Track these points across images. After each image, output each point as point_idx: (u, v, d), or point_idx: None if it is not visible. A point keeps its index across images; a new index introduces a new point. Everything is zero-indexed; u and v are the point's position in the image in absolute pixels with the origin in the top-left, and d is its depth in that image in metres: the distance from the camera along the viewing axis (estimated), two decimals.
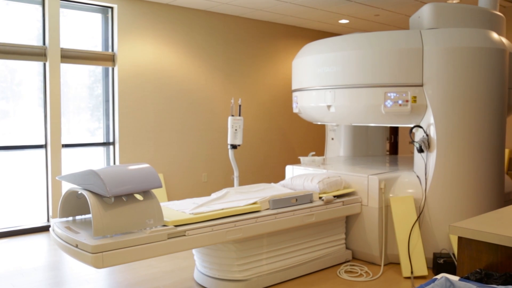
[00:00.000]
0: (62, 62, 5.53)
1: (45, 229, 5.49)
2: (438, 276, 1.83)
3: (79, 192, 3.13)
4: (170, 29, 6.37)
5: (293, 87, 5.16)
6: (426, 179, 4.22)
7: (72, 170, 4.20)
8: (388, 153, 6.92)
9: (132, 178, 3.05)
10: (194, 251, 3.86)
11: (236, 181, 5.13)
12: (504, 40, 4.45)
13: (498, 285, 1.87)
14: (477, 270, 1.98)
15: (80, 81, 5.93)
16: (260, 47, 7.43)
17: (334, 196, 4.18)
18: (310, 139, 8.21)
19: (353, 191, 4.37)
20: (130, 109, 6.04)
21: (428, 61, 4.12)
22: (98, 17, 5.97)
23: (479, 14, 4.50)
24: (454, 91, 4.09)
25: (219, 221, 3.37)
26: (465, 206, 4.14)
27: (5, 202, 5.43)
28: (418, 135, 4.31)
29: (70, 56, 5.62)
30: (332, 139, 5.75)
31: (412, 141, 4.31)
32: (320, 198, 4.10)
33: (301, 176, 4.41)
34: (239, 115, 5.03)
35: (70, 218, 3.36)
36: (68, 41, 5.71)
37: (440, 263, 3.91)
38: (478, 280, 1.92)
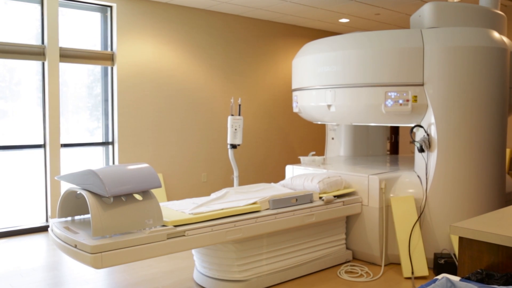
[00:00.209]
0: (61, 61, 5.52)
1: (44, 229, 5.48)
2: (439, 277, 1.83)
3: (78, 192, 3.12)
4: (169, 28, 6.35)
5: (293, 87, 5.15)
6: (427, 179, 4.20)
7: (71, 170, 4.19)
8: (388, 152, 6.91)
9: (131, 178, 3.04)
10: (193, 251, 3.84)
11: (236, 181, 5.12)
12: (505, 39, 4.43)
13: (499, 285, 1.87)
14: (478, 270, 1.98)
15: (79, 80, 5.91)
16: (260, 46, 7.42)
17: (335, 196, 4.16)
18: (310, 138, 8.20)
19: (353, 191, 4.36)
20: (129, 109, 6.03)
21: (428, 60, 4.11)
22: (97, 16, 5.96)
23: (480, 13, 4.49)
24: (455, 91, 4.08)
25: (218, 221, 3.36)
26: (466, 206, 4.12)
27: (3, 202, 5.41)
28: (419, 134, 4.30)
29: (69, 56, 5.60)
30: (333, 138, 5.73)
31: (413, 141, 4.30)
32: (320, 198, 4.09)
33: (301, 176, 4.39)
34: (239, 115, 5.01)
35: (69, 218, 3.35)
36: (67, 40, 5.69)
37: (441, 263, 3.90)
38: (479, 281, 1.91)
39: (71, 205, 3.32)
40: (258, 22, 7.35)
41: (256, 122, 7.38)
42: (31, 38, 5.45)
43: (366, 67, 4.29)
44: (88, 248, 2.78)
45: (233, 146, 4.97)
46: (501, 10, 4.78)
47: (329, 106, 4.58)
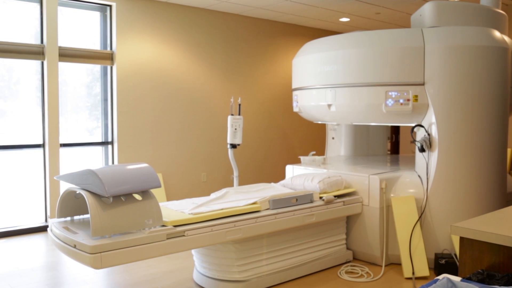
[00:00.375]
0: (60, 60, 5.50)
1: (43, 229, 5.47)
2: (440, 277, 1.82)
3: (77, 192, 3.10)
4: (169, 27, 6.34)
5: (293, 86, 5.14)
6: (427, 178, 4.19)
7: (70, 170, 4.18)
8: (389, 152, 6.89)
9: (130, 178, 3.03)
10: (193, 251, 3.83)
11: (235, 181, 5.11)
12: (506, 38, 4.42)
13: (500, 285, 1.86)
14: (479, 270, 1.98)
15: (78, 80, 5.90)
16: (260, 45, 7.41)
17: (335, 196, 4.15)
18: (311, 138, 8.19)
19: (354, 191, 4.35)
20: (129, 108, 6.02)
21: (429, 59, 4.09)
22: (96, 15, 5.94)
23: (481, 12, 4.47)
24: (456, 90, 4.06)
25: (218, 221, 3.35)
26: (467, 206, 4.11)
27: (2, 202, 5.40)
28: (420, 134, 4.29)
29: (68, 55, 5.59)
30: (333, 138, 5.72)
31: (414, 141, 4.29)
32: (320, 198, 4.08)
33: (302, 175, 4.38)
34: (239, 114, 5.00)
35: (68, 218, 3.34)
36: (66, 40, 5.68)
37: (442, 263, 3.89)
38: (480, 281, 1.91)
39: (71, 205, 3.31)
40: (258, 21, 7.34)
41: (256, 122, 7.37)
42: (30, 37, 5.44)
43: (367, 67, 4.27)
44: (87, 248, 2.77)
45: (233, 146, 4.96)
46: (502, 9, 4.77)
47: (329, 105, 4.57)
